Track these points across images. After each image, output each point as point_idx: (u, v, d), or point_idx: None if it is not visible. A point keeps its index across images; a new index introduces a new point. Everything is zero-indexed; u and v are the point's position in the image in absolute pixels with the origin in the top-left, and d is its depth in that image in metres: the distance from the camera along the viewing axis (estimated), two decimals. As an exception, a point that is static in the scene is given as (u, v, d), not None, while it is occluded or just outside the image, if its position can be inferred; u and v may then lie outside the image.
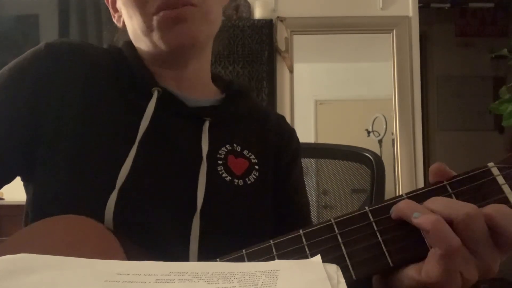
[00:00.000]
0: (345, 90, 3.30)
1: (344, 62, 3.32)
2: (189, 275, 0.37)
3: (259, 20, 2.80)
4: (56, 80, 0.64)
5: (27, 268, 0.39)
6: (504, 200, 0.43)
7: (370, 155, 1.10)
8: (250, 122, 0.74)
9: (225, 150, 0.68)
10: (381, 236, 0.44)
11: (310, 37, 2.95)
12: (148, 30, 0.65)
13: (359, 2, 2.86)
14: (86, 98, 0.64)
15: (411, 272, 0.43)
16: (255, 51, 2.76)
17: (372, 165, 1.08)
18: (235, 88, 0.75)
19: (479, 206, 0.42)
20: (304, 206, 0.78)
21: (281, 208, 0.72)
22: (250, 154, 0.70)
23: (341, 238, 0.45)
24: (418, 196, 0.45)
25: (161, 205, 0.62)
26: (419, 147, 2.81)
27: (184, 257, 0.59)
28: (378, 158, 1.09)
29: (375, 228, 0.44)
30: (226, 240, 0.59)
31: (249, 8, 2.84)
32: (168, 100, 0.67)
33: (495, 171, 0.44)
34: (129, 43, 0.72)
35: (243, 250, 0.47)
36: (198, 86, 0.72)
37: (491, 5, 3.73)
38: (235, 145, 0.70)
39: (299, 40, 2.87)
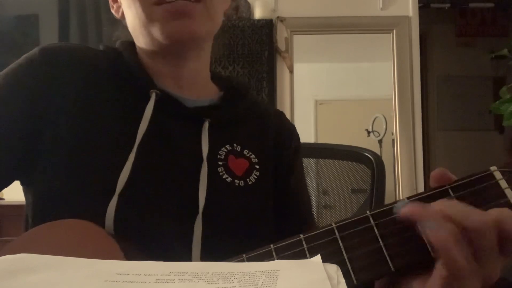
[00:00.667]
0: (345, 90, 3.29)
1: (344, 62, 3.31)
2: (189, 275, 0.37)
3: (259, 20, 2.80)
4: (53, 86, 0.64)
5: (27, 268, 0.39)
6: (507, 204, 0.42)
7: (370, 155, 1.10)
8: (250, 121, 0.74)
9: (225, 150, 0.68)
10: (382, 241, 0.43)
11: (310, 37, 2.95)
12: (147, 21, 0.64)
13: (359, 2, 2.86)
14: (83, 102, 0.64)
15: (415, 284, 0.42)
16: (255, 51, 2.76)
17: (372, 165, 1.08)
18: (233, 85, 0.75)
19: (482, 210, 0.41)
20: (306, 203, 0.77)
21: (283, 205, 0.72)
22: (250, 153, 0.70)
23: (342, 242, 0.44)
24: (420, 200, 0.44)
25: (162, 209, 0.61)
26: (419, 147, 2.81)
27: (187, 260, 0.58)
28: (378, 158, 1.09)
29: (376, 232, 0.44)
30: (229, 242, 0.59)
31: (249, 8, 2.84)
32: (166, 102, 0.66)
33: (497, 175, 0.44)
34: (127, 43, 0.71)
35: (244, 255, 0.47)
36: (197, 86, 0.71)
37: (491, 5, 3.73)
38: (235, 145, 0.69)
39: (299, 40, 2.87)
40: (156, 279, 0.37)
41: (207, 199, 0.62)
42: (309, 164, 1.19)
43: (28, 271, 0.38)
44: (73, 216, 0.53)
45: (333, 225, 0.45)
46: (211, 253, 0.54)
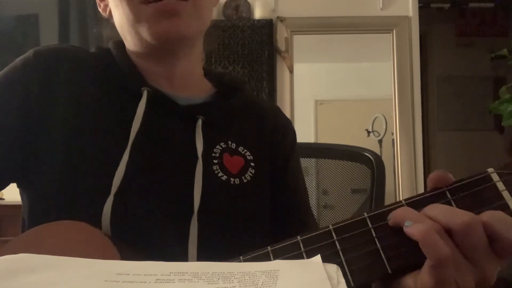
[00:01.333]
0: (345, 90, 3.29)
1: (344, 62, 3.32)
2: (189, 275, 0.37)
3: (259, 20, 2.80)
4: (46, 88, 0.64)
5: (27, 268, 0.39)
6: (504, 206, 0.42)
7: (370, 155, 1.10)
8: (244, 117, 0.73)
9: (220, 148, 0.67)
10: (379, 243, 0.43)
11: (310, 37, 2.95)
12: (135, 20, 0.63)
13: (359, 2, 2.86)
14: (76, 104, 0.64)
15: (408, 281, 0.43)
16: (255, 51, 2.76)
17: (372, 165, 1.08)
18: (226, 82, 0.74)
19: (479, 212, 0.42)
20: (303, 198, 0.77)
21: (279, 201, 0.71)
22: (245, 150, 0.69)
23: (339, 244, 0.44)
24: (417, 202, 0.45)
25: (157, 208, 0.61)
26: (419, 147, 2.81)
27: (183, 260, 0.58)
28: (378, 158, 1.09)
29: (374, 234, 0.44)
30: (225, 241, 0.58)
31: (249, 8, 2.84)
32: (158, 100, 0.65)
33: (495, 177, 0.44)
34: (118, 43, 0.71)
35: (241, 257, 0.46)
36: (190, 84, 0.71)
37: (491, 5, 3.73)
38: (229, 142, 0.68)
39: (299, 40, 2.87)
40: (156, 279, 0.37)
41: (202, 198, 0.61)
42: (309, 164, 1.19)
43: (28, 271, 0.38)
44: (69, 217, 0.53)
45: (330, 227, 0.45)
46: (207, 252, 0.54)
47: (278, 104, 2.78)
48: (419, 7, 2.88)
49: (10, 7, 3.00)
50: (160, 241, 0.59)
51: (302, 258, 0.45)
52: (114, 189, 0.58)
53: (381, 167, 1.07)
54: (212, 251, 0.51)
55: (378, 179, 1.06)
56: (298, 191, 0.76)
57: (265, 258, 0.45)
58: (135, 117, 0.63)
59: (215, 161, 0.66)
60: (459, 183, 0.44)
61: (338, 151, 1.19)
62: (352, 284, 0.43)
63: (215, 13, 2.18)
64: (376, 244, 0.44)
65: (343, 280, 0.37)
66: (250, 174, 0.68)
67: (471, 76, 3.99)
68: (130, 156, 0.60)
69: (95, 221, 0.55)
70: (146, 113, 0.63)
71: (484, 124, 3.92)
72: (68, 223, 0.53)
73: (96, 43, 0.74)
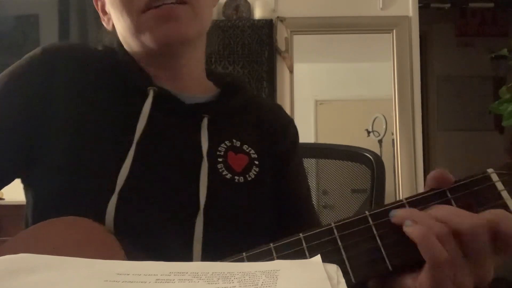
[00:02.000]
0: (345, 90, 3.29)
1: (344, 62, 3.32)
2: (189, 275, 0.37)
3: (259, 20, 2.80)
4: (53, 85, 0.64)
5: (27, 268, 0.39)
6: (503, 206, 0.43)
7: (370, 155, 1.10)
8: (247, 116, 0.74)
9: (225, 146, 0.68)
10: (380, 240, 0.44)
11: (310, 37, 2.95)
12: (137, 30, 0.64)
13: (359, 2, 2.86)
14: (82, 101, 0.64)
15: (408, 281, 0.43)
16: (255, 51, 2.76)
17: (372, 165, 1.08)
18: (229, 82, 0.75)
19: (478, 212, 0.42)
20: (305, 195, 0.77)
21: (282, 199, 0.71)
22: (249, 148, 0.70)
23: (340, 241, 0.45)
24: (418, 201, 0.45)
25: (162, 206, 0.61)
26: (419, 147, 2.81)
27: (188, 258, 0.58)
28: (378, 158, 1.09)
29: (375, 232, 0.45)
30: (229, 239, 0.59)
31: (249, 8, 2.84)
32: (164, 99, 0.66)
33: (494, 177, 0.45)
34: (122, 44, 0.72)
35: (244, 253, 0.47)
36: (194, 84, 0.72)
37: (491, 5, 3.73)
38: (234, 140, 0.69)
39: (299, 40, 2.87)
40: (156, 279, 0.37)
41: (207, 196, 0.62)
42: (309, 164, 1.19)
43: (28, 271, 0.38)
44: (73, 215, 0.53)
45: (332, 224, 0.46)
46: (212, 250, 0.54)
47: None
48: (419, 7, 2.88)
49: (10, 7, 3.00)
50: (165, 239, 0.59)
51: (304, 255, 0.45)
52: (118, 187, 0.58)
53: (381, 167, 1.07)
54: (216, 248, 0.51)
55: (378, 179, 1.06)
56: (300, 189, 0.76)
57: (268, 254, 0.46)
58: (141, 116, 0.63)
59: (220, 159, 0.66)
60: (459, 183, 0.45)
61: (338, 151, 1.19)
62: (353, 281, 0.43)
63: (215, 13, 2.18)
64: (377, 241, 0.44)
65: (343, 280, 0.37)
66: (254, 172, 0.68)
67: (471, 76, 3.99)
68: (135, 154, 0.61)
69: (99, 219, 0.55)
70: (151, 111, 0.64)
71: (484, 124, 3.92)
72: (71, 219, 0.53)
73: (96, 43, 0.75)
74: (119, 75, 0.67)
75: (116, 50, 0.70)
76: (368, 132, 3.17)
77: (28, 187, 0.66)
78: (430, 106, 3.96)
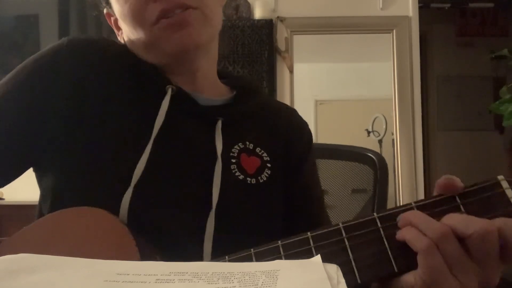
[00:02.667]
0: (345, 90, 3.29)
1: (344, 62, 3.31)
2: (189, 275, 0.37)
3: (259, 20, 2.80)
4: (76, 76, 0.65)
5: (27, 268, 0.39)
6: None
7: (373, 155, 1.10)
8: (261, 119, 0.74)
9: (238, 148, 0.69)
10: (388, 243, 0.45)
11: (310, 37, 2.95)
12: (150, 43, 0.66)
13: (359, 2, 2.86)
14: (103, 95, 0.66)
15: (409, 278, 0.44)
16: (255, 51, 2.76)
17: (375, 166, 1.08)
18: (244, 85, 0.76)
19: (488, 218, 0.43)
20: (318, 199, 0.77)
21: (294, 201, 0.72)
22: (262, 151, 0.70)
23: (348, 242, 0.45)
24: (427, 205, 0.46)
25: (175, 202, 0.62)
26: (419, 147, 2.81)
27: (198, 256, 0.59)
28: (381, 159, 1.09)
29: (382, 234, 0.45)
30: (239, 239, 0.59)
31: (249, 8, 2.84)
32: (181, 99, 0.67)
33: (504, 184, 0.45)
34: None
35: (251, 249, 0.47)
36: (208, 87, 0.73)
37: (491, 5, 3.73)
38: (247, 142, 0.70)
39: (299, 40, 2.87)
40: (156, 279, 0.37)
41: (219, 196, 0.63)
42: None
43: (28, 271, 0.38)
44: (90, 205, 0.54)
45: (341, 225, 0.47)
46: (222, 249, 0.55)
47: (278, 104, 2.78)
48: (419, 7, 2.88)
49: (10, 7, 3.00)
50: (176, 236, 0.60)
51: (311, 253, 0.45)
52: (134, 181, 0.59)
53: (384, 168, 1.07)
54: (226, 248, 0.52)
55: (381, 179, 1.06)
56: (312, 192, 0.76)
57: (275, 252, 0.46)
58: (159, 113, 0.64)
59: (233, 160, 0.67)
60: (469, 189, 0.46)
61: (341, 151, 1.19)
62: (359, 281, 0.44)
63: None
64: (384, 243, 0.45)
65: (343, 280, 0.37)
66: (266, 175, 0.69)
67: (471, 76, 3.99)
68: (151, 150, 0.62)
69: (114, 212, 0.56)
70: (169, 110, 0.65)
71: (484, 124, 3.92)
72: (85, 209, 0.54)
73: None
74: (140, 72, 0.69)
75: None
76: (368, 132, 3.17)
77: (43, 175, 0.66)
78: (430, 106, 3.96)
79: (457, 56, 4.01)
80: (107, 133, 0.63)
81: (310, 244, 0.46)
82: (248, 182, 0.67)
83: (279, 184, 0.70)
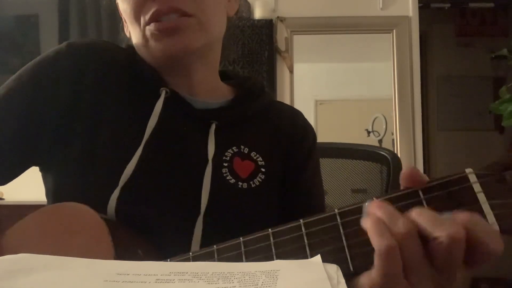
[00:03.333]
0: (345, 90, 3.29)
1: (344, 62, 3.31)
2: (189, 275, 0.37)
3: (259, 20, 2.80)
4: (73, 79, 0.66)
5: (27, 268, 0.39)
6: (478, 209, 0.40)
7: (387, 154, 1.09)
8: (261, 122, 0.74)
9: (231, 152, 0.68)
10: (346, 240, 0.42)
11: (310, 37, 2.95)
12: (144, 40, 0.66)
13: (359, 2, 2.86)
14: (100, 97, 0.66)
15: (363, 279, 0.42)
16: (255, 51, 2.76)
17: (389, 164, 1.07)
18: (247, 88, 0.75)
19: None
20: (319, 203, 0.76)
21: (293, 205, 0.71)
22: (257, 156, 0.70)
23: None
24: (389, 200, 0.42)
25: (163, 205, 0.62)
26: (419, 147, 2.81)
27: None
28: (395, 157, 1.08)
29: (341, 231, 0.43)
30: None
31: (249, 8, 2.84)
32: (175, 101, 0.67)
33: (472, 177, 0.41)
34: None
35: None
36: (206, 90, 0.72)
37: (491, 5, 3.73)
38: (242, 146, 0.69)
39: (299, 40, 2.87)
40: (156, 279, 0.37)
41: (209, 200, 0.63)
42: (326, 163, 1.19)
43: (28, 271, 0.38)
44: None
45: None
46: None
47: (278, 104, 2.78)
48: (419, 7, 2.88)
49: (10, 7, 3.00)
50: (164, 238, 0.60)
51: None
52: (122, 182, 0.60)
53: (399, 166, 1.06)
54: None
55: (394, 177, 1.05)
56: (313, 196, 0.75)
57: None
58: (152, 115, 0.65)
59: (225, 164, 0.67)
60: (434, 182, 0.42)
61: (353, 150, 1.18)
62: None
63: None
64: (343, 241, 0.43)
65: (343, 280, 0.37)
66: (260, 180, 0.68)
67: (471, 76, 3.99)
68: (143, 152, 0.62)
69: (102, 212, 0.56)
70: (162, 112, 0.65)
71: (484, 124, 3.92)
72: (67, 204, 0.55)
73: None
74: (136, 75, 0.69)
75: (136, 50, 0.72)
76: (368, 132, 3.17)
77: (46, 173, 0.68)
78: (430, 106, 3.96)
79: (457, 56, 4.01)
80: (101, 134, 0.64)
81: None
82: (239, 186, 0.66)
83: (273, 189, 0.70)
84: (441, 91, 4.00)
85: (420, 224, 0.39)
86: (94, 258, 0.42)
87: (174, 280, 0.37)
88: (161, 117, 0.65)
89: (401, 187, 0.44)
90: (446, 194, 0.41)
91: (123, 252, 0.51)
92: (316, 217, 0.44)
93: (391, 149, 2.86)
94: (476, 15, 4.04)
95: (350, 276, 0.43)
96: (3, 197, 2.71)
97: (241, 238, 0.47)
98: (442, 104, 3.99)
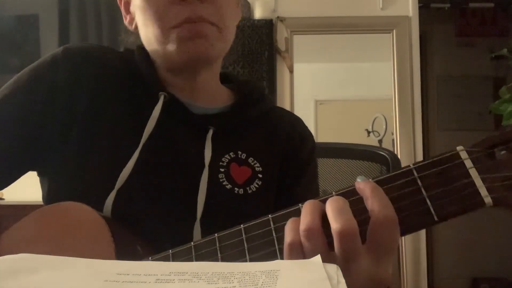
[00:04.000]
0: (345, 90, 3.29)
1: (344, 62, 3.31)
2: (189, 275, 0.37)
3: (259, 20, 2.80)
4: (70, 84, 0.66)
5: (27, 268, 0.39)
6: (471, 184, 0.42)
7: (387, 154, 1.09)
8: (260, 128, 0.73)
9: (228, 157, 0.68)
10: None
11: (310, 37, 2.95)
12: (164, 41, 0.65)
13: (359, 2, 2.86)
14: (96, 101, 0.66)
15: None
16: (255, 51, 2.76)
17: (389, 164, 1.07)
18: (247, 93, 0.75)
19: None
20: None
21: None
22: (255, 162, 0.70)
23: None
24: (384, 181, 0.44)
25: (159, 210, 0.62)
26: (419, 147, 2.81)
27: None
28: (394, 157, 1.08)
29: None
30: None
31: (249, 8, 2.84)
32: (174, 106, 0.67)
33: (463, 154, 0.43)
34: (142, 47, 0.73)
35: (216, 234, 0.49)
36: (207, 95, 0.72)
37: (491, 5, 3.73)
38: (239, 152, 0.69)
39: (299, 40, 2.87)
40: (156, 279, 0.37)
41: (205, 205, 0.63)
42: (325, 164, 1.19)
43: (28, 271, 0.38)
44: None
45: (241, 226, 0.48)
46: None
47: (278, 104, 2.78)
48: (419, 7, 2.88)
49: (10, 7, 3.00)
50: (160, 243, 0.59)
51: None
52: (118, 185, 0.60)
53: (398, 166, 1.06)
54: None
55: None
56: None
57: (238, 235, 0.48)
58: (150, 119, 0.65)
59: (222, 169, 0.67)
60: (427, 161, 0.44)
61: (353, 150, 1.18)
62: None
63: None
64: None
65: (343, 280, 0.37)
66: (256, 186, 0.68)
67: (471, 76, 3.99)
68: (139, 155, 0.62)
69: None
70: (160, 117, 0.65)
71: (484, 124, 3.92)
72: (67, 204, 0.56)
73: (96, 43, 0.76)
74: (134, 79, 0.69)
75: (135, 53, 0.72)
76: (368, 132, 3.17)
77: (43, 178, 0.68)
78: (430, 106, 3.96)
79: (457, 56, 4.01)
80: (98, 138, 0.64)
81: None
82: (236, 192, 0.66)
83: (269, 196, 0.70)
84: (441, 91, 4.00)
85: (327, 213, 0.42)
86: (95, 254, 0.42)
87: (174, 280, 0.37)
88: (158, 121, 0.65)
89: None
90: (440, 171, 0.43)
91: (123, 247, 0.51)
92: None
93: (391, 149, 2.86)
94: (476, 15, 4.04)
95: None
96: (3, 197, 2.71)
97: (241, 226, 0.48)
98: (442, 104, 3.99)
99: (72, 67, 0.67)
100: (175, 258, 0.49)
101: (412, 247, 2.65)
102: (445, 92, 3.99)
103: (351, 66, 3.30)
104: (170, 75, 0.70)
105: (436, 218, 0.42)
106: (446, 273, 3.85)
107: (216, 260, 0.47)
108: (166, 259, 0.50)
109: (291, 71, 2.82)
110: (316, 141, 0.81)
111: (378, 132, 3.14)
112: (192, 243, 0.49)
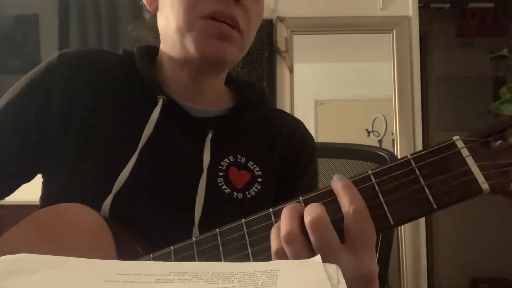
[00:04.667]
0: (345, 90, 3.29)
1: (344, 62, 3.31)
2: (189, 275, 0.37)
3: (259, 20, 2.80)
4: (66, 90, 0.66)
5: (27, 268, 0.39)
6: (468, 172, 0.42)
7: (386, 154, 1.09)
8: (260, 131, 0.73)
9: (227, 161, 0.68)
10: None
11: (310, 37, 2.94)
12: (186, 29, 0.63)
13: (359, 2, 2.86)
14: (93, 105, 0.66)
15: None
16: (255, 51, 2.76)
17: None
18: (247, 96, 0.74)
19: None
20: None
21: None
22: (254, 166, 0.69)
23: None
24: (382, 172, 0.46)
25: (157, 214, 0.62)
26: (419, 147, 2.81)
27: None
28: (394, 158, 1.08)
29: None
30: None
31: (249, 8, 2.84)
32: (173, 109, 0.67)
33: (459, 143, 0.44)
34: (142, 49, 0.72)
35: (217, 229, 0.49)
36: (209, 98, 0.72)
37: (491, 5, 3.73)
38: (239, 156, 0.69)
39: (299, 40, 2.87)
40: (156, 279, 0.37)
41: (203, 210, 0.62)
42: (325, 164, 1.19)
43: (28, 271, 0.38)
44: None
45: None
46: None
47: (278, 104, 2.78)
48: (419, 7, 2.88)
49: (10, 7, 3.00)
50: (158, 248, 0.59)
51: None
52: (115, 189, 0.60)
53: None
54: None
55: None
56: None
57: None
58: (148, 123, 0.64)
59: (221, 173, 0.66)
60: (425, 151, 0.45)
61: (352, 150, 1.19)
62: None
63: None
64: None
65: (343, 280, 0.37)
66: (255, 190, 0.68)
67: (471, 76, 3.99)
68: (137, 159, 0.62)
69: None
70: (159, 120, 0.65)
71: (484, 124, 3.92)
72: (67, 205, 0.56)
73: (96, 44, 0.76)
74: (132, 82, 0.68)
75: (134, 55, 0.71)
76: (368, 132, 3.17)
77: (43, 183, 0.69)
78: (430, 106, 3.96)
79: (457, 56, 4.01)
80: (96, 143, 0.64)
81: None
82: (234, 196, 0.66)
83: (268, 200, 0.69)
84: (441, 91, 4.00)
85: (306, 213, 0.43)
86: (96, 255, 0.42)
87: (174, 280, 0.37)
88: (157, 125, 0.64)
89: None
90: (437, 160, 0.44)
91: (123, 248, 0.51)
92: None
93: (391, 149, 2.85)
94: (476, 15, 4.04)
95: None
96: (3, 197, 2.70)
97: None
98: (442, 104, 3.99)
99: (67, 73, 0.67)
100: (177, 254, 0.49)
101: (412, 247, 2.65)
102: (445, 92, 3.99)
103: (351, 66, 3.29)
104: (176, 73, 0.69)
105: (435, 206, 0.43)
106: (446, 273, 3.85)
107: (218, 254, 0.48)
108: (167, 255, 0.50)
109: (291, 71, 2.82)
110: (316, 141, 0.80)
111: (378, 132, 3.14)
112: (193, 238, 0.49)
